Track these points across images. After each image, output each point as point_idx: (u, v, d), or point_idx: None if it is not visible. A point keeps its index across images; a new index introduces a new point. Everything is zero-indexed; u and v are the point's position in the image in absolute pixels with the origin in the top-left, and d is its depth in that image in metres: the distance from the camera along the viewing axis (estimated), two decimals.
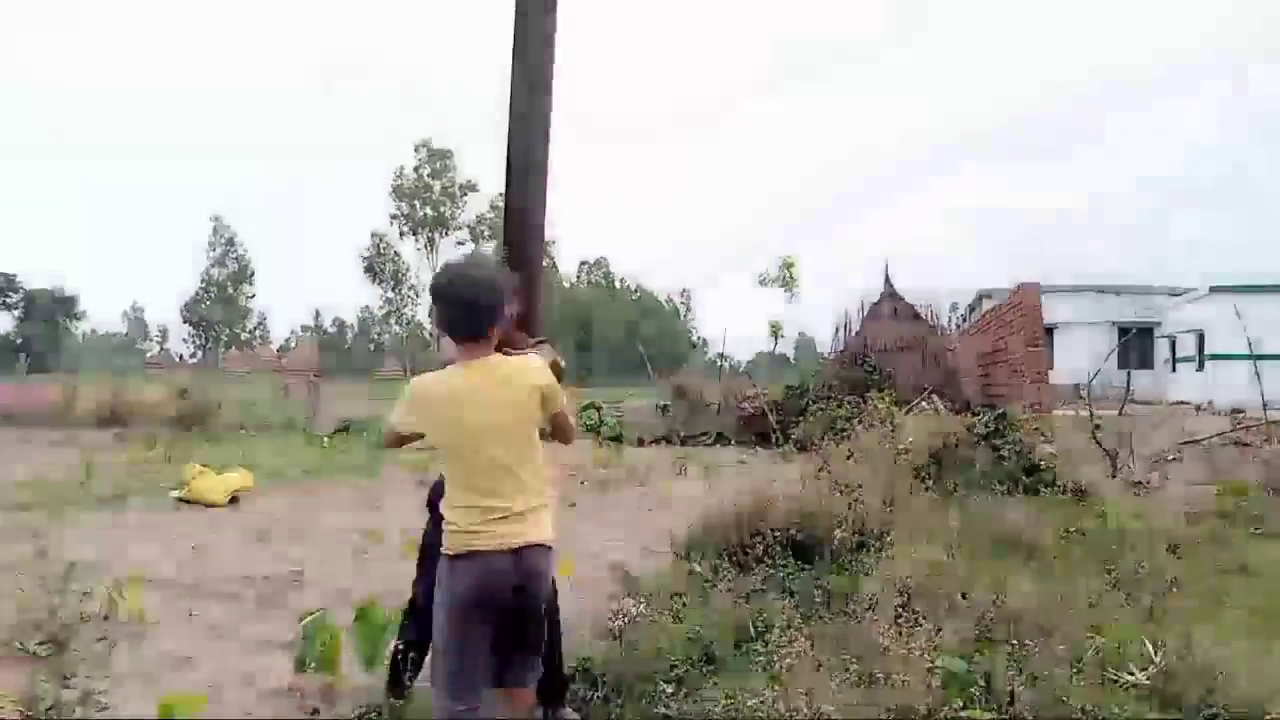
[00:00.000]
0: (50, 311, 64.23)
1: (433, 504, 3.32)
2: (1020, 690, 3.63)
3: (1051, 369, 15.76)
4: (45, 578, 2.96)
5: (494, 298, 2.79)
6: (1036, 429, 9.97)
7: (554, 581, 3.34)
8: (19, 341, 61.16)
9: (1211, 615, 5.09)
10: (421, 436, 2.87)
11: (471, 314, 2.76)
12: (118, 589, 5.30)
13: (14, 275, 65.63)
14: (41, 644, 2.77)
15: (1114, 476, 10.44)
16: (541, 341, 3.43)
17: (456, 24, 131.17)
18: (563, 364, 3.30)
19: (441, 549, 2.80)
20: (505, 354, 2.97)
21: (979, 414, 11.09)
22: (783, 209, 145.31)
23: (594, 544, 7.62)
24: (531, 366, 2.88)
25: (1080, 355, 27.91)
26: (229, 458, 13.57)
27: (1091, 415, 12.63)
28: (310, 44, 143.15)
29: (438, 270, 2.97)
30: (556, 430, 3.04)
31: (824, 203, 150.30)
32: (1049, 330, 17.61)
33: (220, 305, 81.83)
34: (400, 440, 2.94)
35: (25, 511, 8.79)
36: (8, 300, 65.50)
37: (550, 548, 2.88)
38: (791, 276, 26.51)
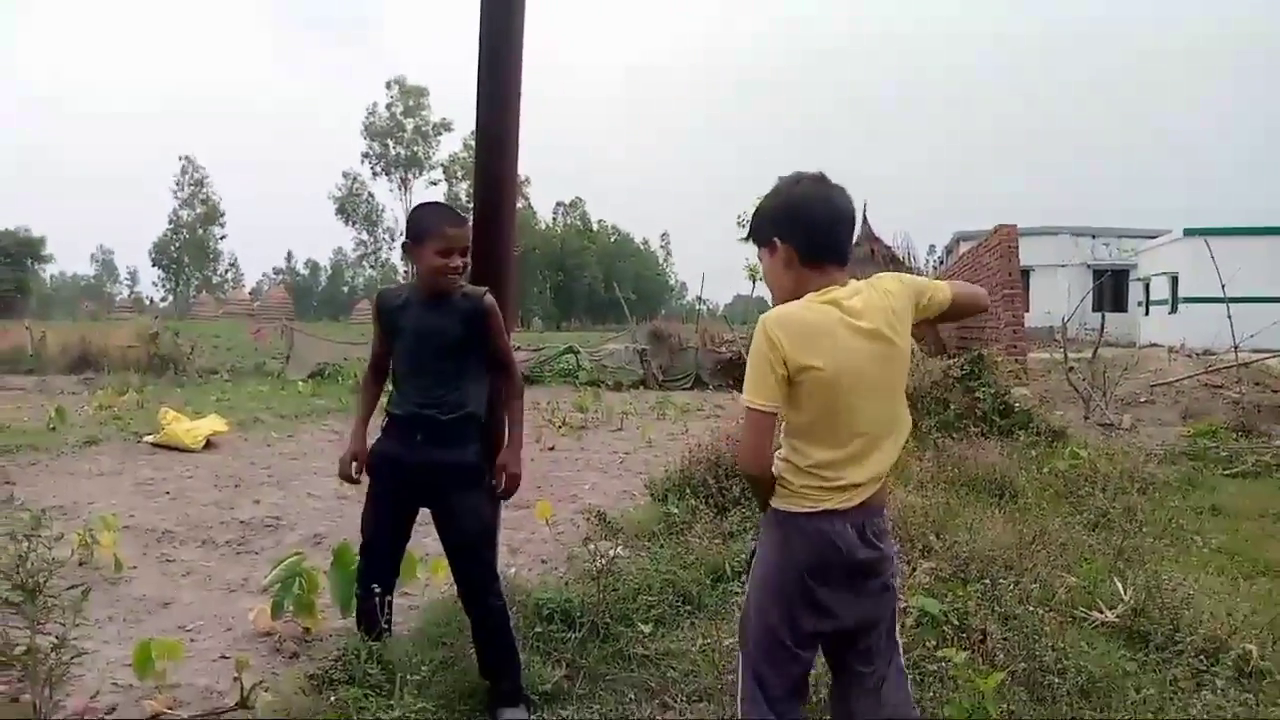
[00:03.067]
0: (16, 255, 63.02)
1: None
2: (992, 629, 3.68)
3: (1027, 311, 15.82)
4: (14, 524, 2.91)
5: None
6: (1012, 372, 10.03)
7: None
8: None
9: (1181, 554, 5.19)
10: None
11: None
12: (91, 534, 5.27)
13: None
14: (12, 590, 2.73)
15: (1087, 418, 10.57)
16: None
17: None
18: None
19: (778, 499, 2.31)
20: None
21: (955, 357, 11.15)
22: (765, 149, 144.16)
23: (572, 488, 7.64)
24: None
25: (1056, 298, 28.11)
26: (202, 402, 13.48)
27: (1066, 358, 12.74)
28: None
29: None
30: None
31: (806, 143, 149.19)
32: (1025, 273, 17.64)
33: (191, 248, 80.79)
34: None
35: None
36: None
37: None
38: None
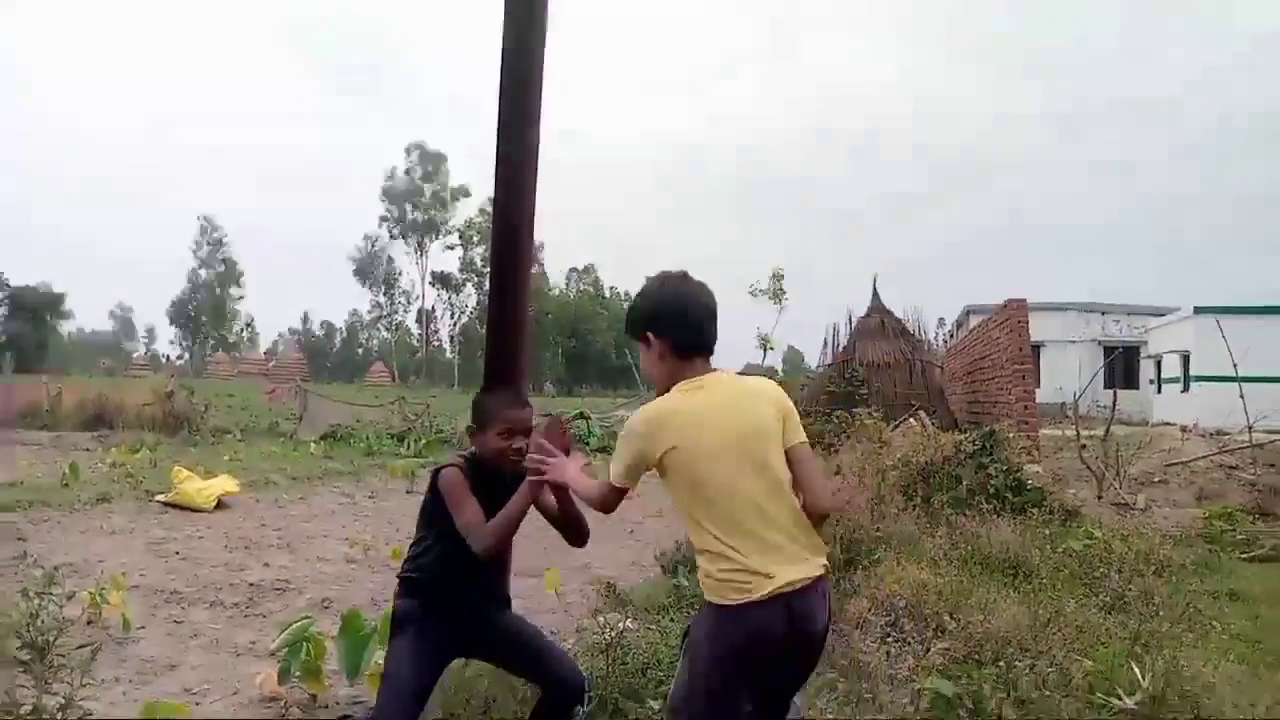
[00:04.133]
0: (36, 310, 63.76)
1: None
2: (1008, 714, 3.63)
3: (1038, 387, 15.80)
4: (27, 582, 2.92)
5: None
6: (1024, 448, 9.99)
7: None
8: (3, 339, 60.71)
9: (1200, 640, 5.10)
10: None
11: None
12: (101, 594, 5.27)
13: (0, 273, 65.24)
14: (21, 648, 2.73)
15: (1100, 497, 10.48)
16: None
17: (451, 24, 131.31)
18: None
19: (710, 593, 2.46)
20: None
21: (966, 431, 11.11)
22: (773, 221, 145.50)
23: (582, 557, 7.58)
24: None
25: (1067, 374, 28.04)
26: (215, 462, 13.51)
27: (1079, 434, 12.69)
28: (311, 49, 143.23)
29: None
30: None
31: (816, 217, 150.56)
32: (1035, 348, 17.66)
33: (208, 307, 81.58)
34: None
35: (9, 513, 8.72)
36: None
37: None
38: (781, 288, 26.58)
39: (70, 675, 2.81)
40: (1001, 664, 4.15)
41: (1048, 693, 3.86)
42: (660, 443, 2.42)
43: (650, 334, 2.56)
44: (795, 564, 2.38)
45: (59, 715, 2.75)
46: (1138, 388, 33.78)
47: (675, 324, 2.56)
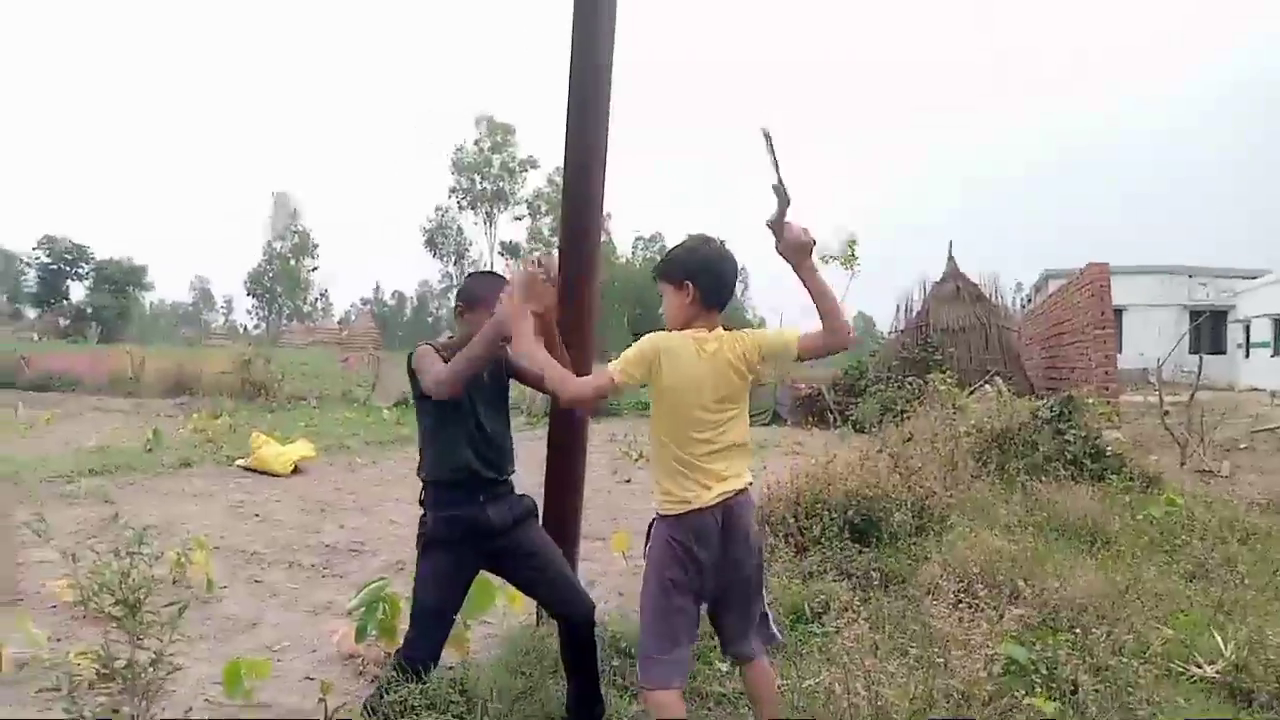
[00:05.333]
0: (120, 282, 65.72)
1: None
2: (1084, 680, 3.55)
3: (1119, 352, 15.35)
4: (117, 542, 3.03)
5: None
6: (1103, 414, 9.73)
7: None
8: (89, 311, 62.79)
9: None
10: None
11: None
12: (186, 554, 5.45)
13: (86, 246, 67.34)
14: (115, 605, 2.83)
15: (1184, 464, 10.19)
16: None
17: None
18: None
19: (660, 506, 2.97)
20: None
21: (1043, 397, 10.86)
22: (845, 184, 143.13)
23: (649, 520, 7.62)
24: None
25: (1149, 339, 27.25)
26: (291, 428, 13.85)
27: (1161, 400, 12.32)
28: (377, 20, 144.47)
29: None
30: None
31: (888, 179, 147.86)
32: (1117, 312, 17.15)
33: (283, 278, 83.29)
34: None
35: (97, 476, 9.06)
36: (79, 271, 67.21)
37: None
38: (854, 254, 26.14)
39: (160, 631, 2.90)
40: (1078, 631, 4.07)
41: (1125, 660, 3.77)
42: (664, 363, 2.82)
43: (690, 281, 2.89)
44: (725, 483, 2.88)
45: (150, 669, 2.84)
46: (1225, 353, 32.68)
47: (713, 279, 2.93)
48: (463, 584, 3.33)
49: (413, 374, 3.20)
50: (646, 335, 2.90)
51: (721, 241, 3.03)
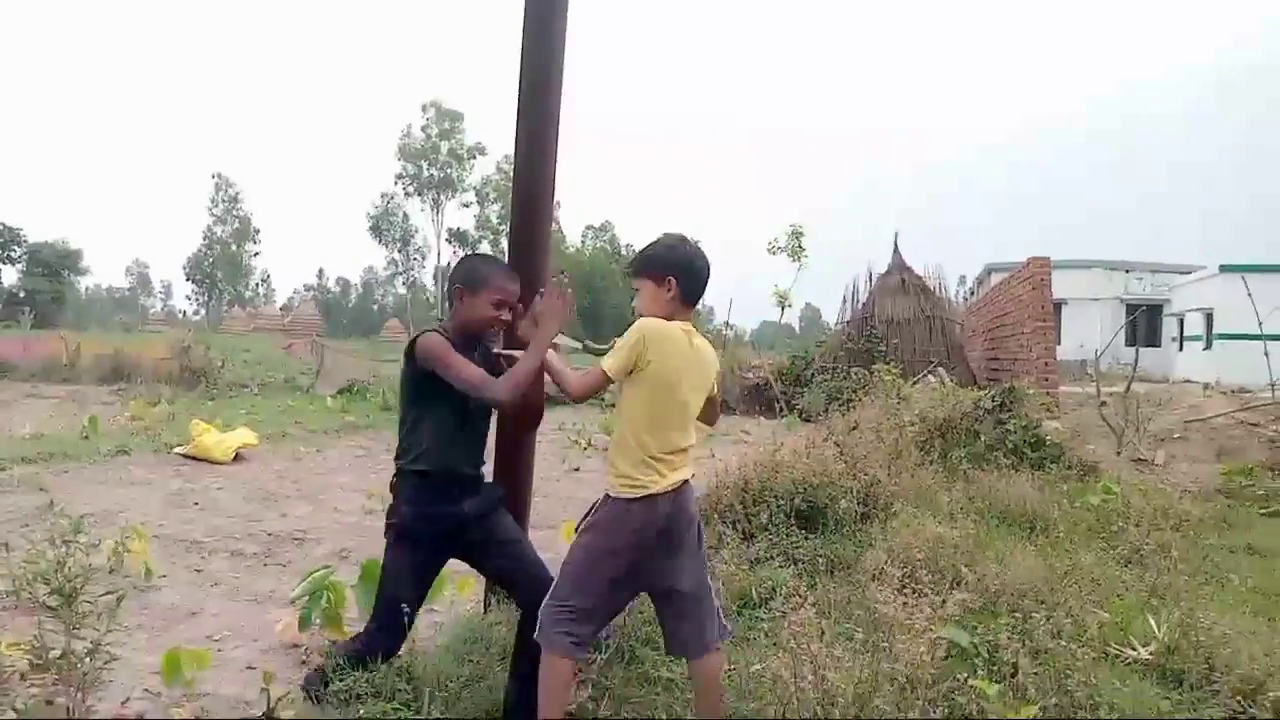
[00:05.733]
0: (54, 266, 63.98)
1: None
2: (1024, 662, 3.63)
3: (1059, 344, 15.68)
4: (53, 530, 2.95)
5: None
6: (1044, 404, 9.94)
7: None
8: (22, 295, 61.02)
9: (1216, 594, 5.09)
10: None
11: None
12: (123, 543, 5.33)
13: (18, 229, 65.32)
14: (50, 594, 2.76)
15: (1120, 453, 10.44)
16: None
17: None
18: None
19: (613, 489, 3.05)
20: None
21: (985, 388, 11.06)
22: (793, 177, 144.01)
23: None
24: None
25: (1088, 331, 27.83)
26: (232, 416, 13.60)
27: (1099, 391, 12.62)
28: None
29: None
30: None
31: (836, 172, 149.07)
32: (1057, 305, 17.49)
33: (223, 263, 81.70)
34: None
35: (31, 464, 8.82)
36: (11, 254, 65.25)
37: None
38: (800, 245, 26.21)
39: (97, 621, 2.84)
40: (1018, 615, 4.16)
41: (1063, 643, 3.85)
42: (651, 352, 2.93)
43: (673, 277, 3.04)
44: (678, 472, 3.03)
45: (87, 659, 2.78)
46: (1160, 346, 33.51)
47: (692, 276, 3.09)
48: (433, 577, 3.28)
49: (411, 357, 3.08)
50: (634, 327, 2.98)
51: (696, 241, 3.22)
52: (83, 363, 21.78)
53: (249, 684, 3.73)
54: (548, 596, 3.01)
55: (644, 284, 3.10)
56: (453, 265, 3.36)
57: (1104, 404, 12.03)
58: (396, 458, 3.22)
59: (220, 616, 4.75)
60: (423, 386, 3.08)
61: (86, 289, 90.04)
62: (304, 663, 4.05)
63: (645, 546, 2.98)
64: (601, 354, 3.60)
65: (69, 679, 2.75)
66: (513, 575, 3.32)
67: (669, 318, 3.04)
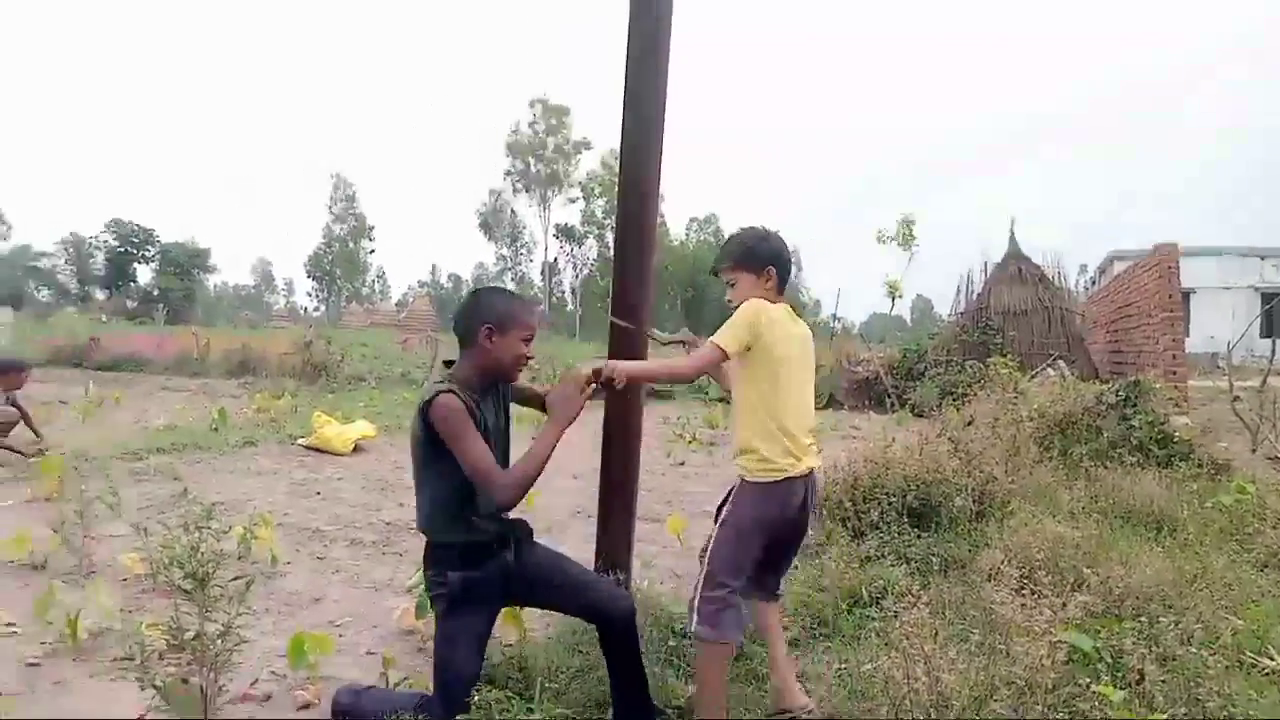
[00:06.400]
0: (184, 265, 67.27)
1: None
2: (1150, 669, 3.48)
3: (1187, 336, 14.95)
4: (186, 517, 3.10)
5: None
6: (1171, 399, 9.49)
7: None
8: (156, 293, 64.36)
9: None
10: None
11: None
12: (251, 530, 5.57)
13: (152, 230, 68.99)
14: (184, 578, 2.90)
15: (1255, 451, 9.90)
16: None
17: None
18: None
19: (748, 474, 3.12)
20: None
21: (1108, 382, 10.63)
22: (905, 165, 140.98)
23: (704, 503, 7.62)
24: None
25: (1220, 322, 26.49)
26: (352, 408, 14.06)
27: (1231, 385, 11.98)
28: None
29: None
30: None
31: (949, 158, 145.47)
32: (1185, 295, 16.70)
33: (342, 260, 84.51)
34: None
35: (165, 454, 9.29)
36: (145, 254, 68.89)
37: None
38: (911, 234, 25.61)
39: (227, 605, 2.97)
40: (1144, 620, 3.99)
41: (1193, 650, 3.68)
42: (766, 329, 3.05)
43: (771, 267, 3.22)
44: (810, 457, 3.19)
45: (218, 641, 2.91)
46: None
47: (785, 265, 3.28)
48: (489, 632, 3.16)
49: (426, 422, 2.97)
50: (748, 304, 3.09)
51: (776, 231, 3.36)
52: (212, 357, 22.86)
53: (369, 668, 3.86)
54: (698, 589, 3.08)
55: (742, 276, 3.23)
56: (463, 301, 3.26)
57: (1237, 399, 11.41)
58: (420, 525, 3.16)
59: (341, 603, 4.92)
60: (440, 448, 2.97)
61: (215, 287, 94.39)
62: (420, 649, 4.16)
63: (779, 529, 3.15)
64: (667, 344, 3.64)
65: (202, 659, 2.89)
66: (561, 595, 3.22)
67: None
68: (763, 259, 3.22)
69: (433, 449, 2.99)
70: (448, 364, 3.20)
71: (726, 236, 3.49)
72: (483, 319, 3.06)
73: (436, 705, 2.95)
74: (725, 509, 3.19)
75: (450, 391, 2.94)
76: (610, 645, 3.16)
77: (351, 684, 3.37)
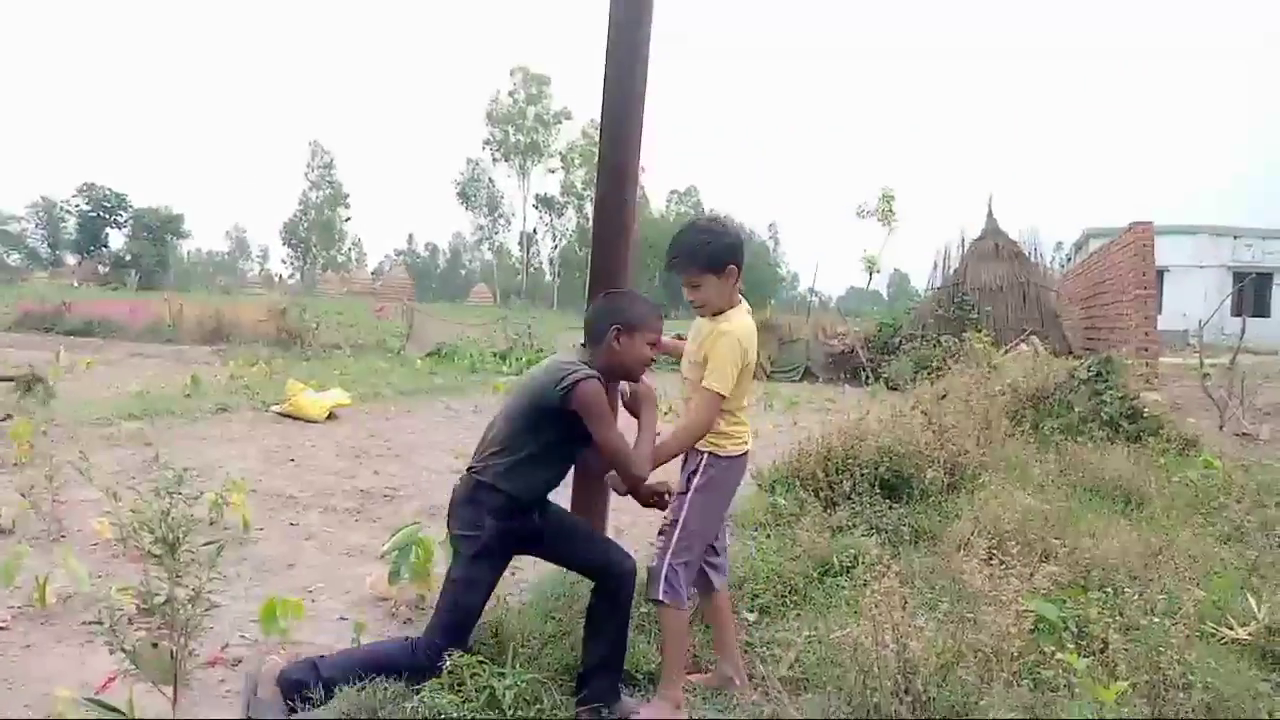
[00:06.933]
0: (157, 230, 66.41)
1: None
2: (1114, 638, 3.53)
3: (1160, 314, 15.10)
4: (157, 482, 3.07)
5: None
6: (1142, 375, 9.60)
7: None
8: (128, 259, 63.55)
9: None
10: None
11: None
12: (223, 496, 5.54)
13: (124, 195, 67.99)
14: (155, 543, 2.88)
15: (1222, 427, 10.05)
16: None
17: None
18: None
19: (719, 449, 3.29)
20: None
21: (1081, 358, 10.73)
22: (882, 140, 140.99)
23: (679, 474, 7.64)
24: None
25: (1192, 300, 26.77)
26: (326, 376, 13.98)
27: (1201, 362, 12.13)
28: None
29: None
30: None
31: (926, 134, 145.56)
32: (1159, 273, 16.82)
33: (318, 228, 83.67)
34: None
35: (137, 420, 9.21)
36: (118, 219, 67.93)
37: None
38: (890, 210, 25.66)
39: (198, 570, 2.96)
40: (1109, 590, 4.05)
41: (1156, 619, 3.74)
42: (745, 356, 3.21)
43: (733, 265, 3.23)
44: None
45: (189, 605, 2.90)
46: (1269, 316, 32.07)
47: (742, 257, 3.29)
48: (499, 580, 3.30)
49: (565, 394, 3.01)
50: (726, 337, 3.18)
51: (726, 217, 3.34)
52: (185, 324, 22.63)
53: (341, 634, 3.86)
54: (668, 555, 3.20)
55: (707, 279, 3.23)
56: (598, 303, 3.33)
57: (1207, 376, 11.56)
58: (483, 470, 3.16)
59: (314, 569, 4.92)
60: (555, 423, 3.07)
61: (188, 253, 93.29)
62: (393, 615, 4.18)
63: (733, 498, 3.42)
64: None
65: (172, 624, 2.88)
66: (573, 548, 3.37)
67: (733, 301, 3.29)
68: (724, 258, 3.22)
69: (553, 420, 3.08)
70: (582, 346, 3.32)
71: (707, 209, 3.51)
72: (613, 320, 3.21)
73: (439, 641, 3.05)
74: (696, 479, 3.28)
75: (597, 378, 3.07)
76: (605, 602, 3.25)
77: (293, 657, 3.35)
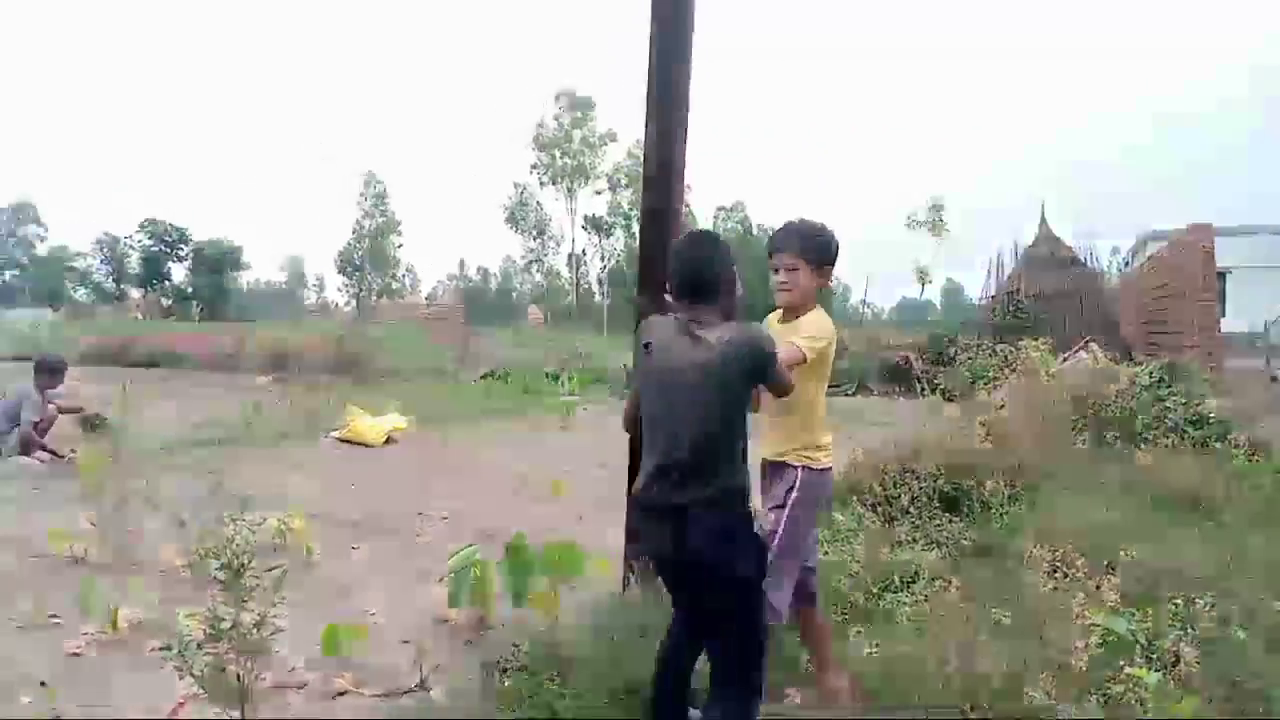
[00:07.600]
0: (217, 263, 67.85)
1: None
2: (1186, 651, 3.44)
3: (1223, 317, 14.72)
4: (222, 510, 3.14)
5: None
6: (1206, 380, 9.37)
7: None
8: (190, 291, 65.05)
9: None
10: None
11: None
12: (285, 522, 5.64)
13: (184, 229, 69.63)
14: (221, 569, 2.95)
15: None
16: None
17: None
18: None
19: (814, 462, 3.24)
20: None
21: (1142, 364, 10.51)
22: (930, 147, 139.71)
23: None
24: None
25: (1256, 302, 26.05)
26: (384, 401, 14.16)
27: (1268, 364, 11.81)
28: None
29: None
30: None
31: (977, 140, 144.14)
32: (1221, 275, 16.42)
33: (371, 255, 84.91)
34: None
35: (202, 448, 9.41)
36: (179, 252, 69.55)
37: None
38: (941, 219, 25.45)
39: (262, 595, 3.01)
40: (1180, 602, 3.95)
41: (1231, 632, 3.64)
42: (833, 344, 3.23)
43: (829, 267, 3.29)
44: None
45: (254, 630, 2.95)
46: None
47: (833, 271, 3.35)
48: None
49: (761, 357, 2.78)
50: (815, 314, 3.23)
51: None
52: (246, 353, 23.08)
53: (403, 657, 3.90)
54: (768, 574, 2.94)
55: (806, 267, 3.23)
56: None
57: (1274, 379, 11.24)
58: (714, 477, 2.77)
59: (375, 592, 4.97)
60: (747, 389, 2.85)
61: (247, 284, 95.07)
62: (453, 637, 4.20)
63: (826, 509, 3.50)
64: None
65: (239, 648, 2.93)
66: None
67: (812, 305, 3.28)
68: (829, 254, 3.28)
69: (747, 385, 2.83)
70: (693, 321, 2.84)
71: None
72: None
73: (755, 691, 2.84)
74: (790, 494, 3.19)
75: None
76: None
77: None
